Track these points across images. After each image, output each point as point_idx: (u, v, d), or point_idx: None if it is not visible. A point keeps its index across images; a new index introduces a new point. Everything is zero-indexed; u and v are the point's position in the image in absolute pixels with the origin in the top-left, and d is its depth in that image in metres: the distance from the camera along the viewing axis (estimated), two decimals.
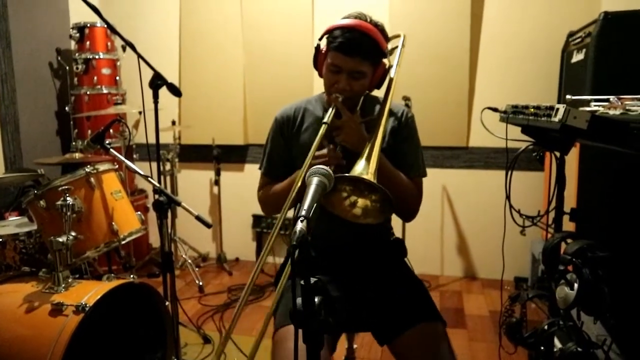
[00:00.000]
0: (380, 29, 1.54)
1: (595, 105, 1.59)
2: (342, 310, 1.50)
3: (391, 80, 1.65)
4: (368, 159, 1.40)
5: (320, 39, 1.57)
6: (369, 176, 1.33)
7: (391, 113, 1.65)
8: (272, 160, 1.73)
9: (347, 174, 1.34)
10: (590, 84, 2.28)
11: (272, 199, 1.70)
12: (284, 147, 1.70)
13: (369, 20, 1.53)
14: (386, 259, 1.68)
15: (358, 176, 1.34)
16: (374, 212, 1.37)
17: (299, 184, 1.41)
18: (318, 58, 1.59)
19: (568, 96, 1.73)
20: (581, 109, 1.32)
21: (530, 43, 3.30)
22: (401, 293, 1.56)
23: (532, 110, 1.40)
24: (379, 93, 1.69)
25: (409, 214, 1.65)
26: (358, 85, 1.54)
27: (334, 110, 1.52)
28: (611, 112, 1.51)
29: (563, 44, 2.95)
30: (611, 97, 1.55)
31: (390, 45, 1.69)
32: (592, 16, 2.44)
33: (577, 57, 2.59)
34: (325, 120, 1.49)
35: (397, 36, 1.79)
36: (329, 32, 1.53)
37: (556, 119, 1.24)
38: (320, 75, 1.61)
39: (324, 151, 1.52)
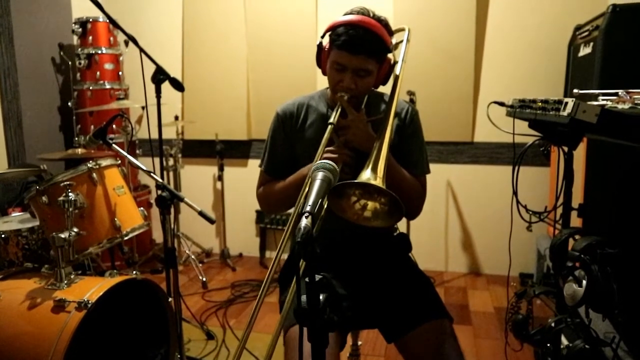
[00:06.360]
0: (384, 24, 1.50)
1: (603, 100, 1.56)
2: (349, 307, 1.48)
3: (397, 78, 1.60)
4: (376, 163, 1.36)
5: (322, 37, 1.54)
6: (378, 181, 1.31)
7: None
8: (274, 156, 1.69)
9: (355, 181, 1.30)
10: (598, 78, 2.25)
11: (275, 197, 1.66)
12: (286, 143, 1.67)
13: (372, 15, 1.49)
14: (391, 254, 1.67)
15: (366, 182, 1.31)
16: (382, 214, 1.34)
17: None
18: (321, 56, 1.55)
19: (575, 90, 1.70)
20: (589, 103, 1.30)
21: (537, 37, 3.26)
22: (407, 289, 1.55)
23: (539, 104, 1.38)
24: (384, 88, 1.65)
25: (412, 212, 1.63)
26: (363, 83, 1.51)
27: (339, 110, 1.48)
28: (620, 106, 1.49)
29: (570, 38, 2.92)
30: (620, 91, 1.52)
31: (394, 40, 1.65)
32: (600, 9, 2.41)
33: (585, 50, 2.56)
34: (331, 120, 1.46)
35: (402, 30, 1.73)
36: (332, 29, 1.49)
37: (565, 113, 1.22)
38: (324, 73, 1.58)
39: (333, 148, 1.49)
